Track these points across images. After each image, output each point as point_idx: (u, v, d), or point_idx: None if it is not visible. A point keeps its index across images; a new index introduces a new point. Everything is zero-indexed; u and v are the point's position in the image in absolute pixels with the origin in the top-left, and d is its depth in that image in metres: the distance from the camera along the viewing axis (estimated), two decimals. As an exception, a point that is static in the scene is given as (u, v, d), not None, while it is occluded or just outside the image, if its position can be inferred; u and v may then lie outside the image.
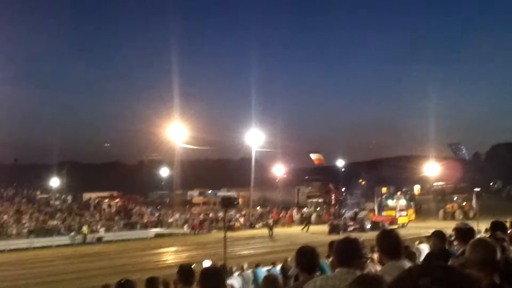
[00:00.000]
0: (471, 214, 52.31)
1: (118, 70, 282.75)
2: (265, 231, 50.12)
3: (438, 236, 7.47)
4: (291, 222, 56.41)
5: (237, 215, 55.52)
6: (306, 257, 4.33)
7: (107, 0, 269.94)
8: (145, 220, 50.90)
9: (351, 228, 45.75)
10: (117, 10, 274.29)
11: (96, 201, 57.73)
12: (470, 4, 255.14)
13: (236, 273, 16.38)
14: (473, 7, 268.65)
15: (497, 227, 6.29)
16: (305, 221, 54.87)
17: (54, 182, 79.63)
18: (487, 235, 7.14)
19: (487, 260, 3.47)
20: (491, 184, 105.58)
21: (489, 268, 3.46)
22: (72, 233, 43.17)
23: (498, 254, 3.59)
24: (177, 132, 56.15)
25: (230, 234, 40.82)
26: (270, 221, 49.05)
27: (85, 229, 43.70)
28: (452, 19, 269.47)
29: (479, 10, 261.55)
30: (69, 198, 63.82)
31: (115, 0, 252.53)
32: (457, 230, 5.99)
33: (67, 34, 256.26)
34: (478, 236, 8.90)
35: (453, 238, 7.23)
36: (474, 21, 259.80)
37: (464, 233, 5.65)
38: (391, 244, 4.43)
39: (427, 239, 21.06)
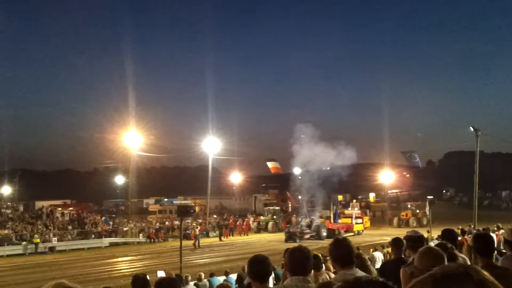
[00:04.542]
0: (424, 221, 53.43)
1: (72, 76, 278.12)
2: (223, 239, 50.09)
3: (395, 243, 7.54)
4: (248, 230, 56.39)
5: (194, 224, 55.15)
6: (258, 266, 4.31)
7: (59, 2, 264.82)
8: (99, 229, 49.94)
9: (307, 236, 46.01)
10: (71, 13, 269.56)
11: (49, 209, 56.19)
12: (422, 14, 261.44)
13: (192, 283, 16.26)
14: (425, 16, 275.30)
15: (447, 235, 6.41)
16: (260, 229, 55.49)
17: (5, 190, 77.62)
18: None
19: (435, 268, 3.54)
20: (443, 191, 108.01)
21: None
22: (24, 243, 42.10)
23: (445, 262, 3.68)
24: (132, 139, 55.48)
25: (186, 242, 40.59)
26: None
27: (37, 238, 42.68)
28: (404, 28, 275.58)
29: (431, 20, 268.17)
30: (21, 206, 62.20)
31: (68, 4, 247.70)
32: (408, 238, 6.08)
33: (16, 38, 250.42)
34: (431, 243, 9.07)
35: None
36: (425, 31, 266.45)
37: (415, 241, 5.73)
38: (343, 253, 4.49)
39: (387, 246, 21.40)
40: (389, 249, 20.23)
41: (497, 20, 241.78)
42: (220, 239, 49.56)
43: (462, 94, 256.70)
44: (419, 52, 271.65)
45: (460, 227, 23.57)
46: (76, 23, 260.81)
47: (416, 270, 3.67)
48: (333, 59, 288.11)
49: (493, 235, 15.90)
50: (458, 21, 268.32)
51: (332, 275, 6.60)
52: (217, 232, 52.51)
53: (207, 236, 52.22)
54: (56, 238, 44.72)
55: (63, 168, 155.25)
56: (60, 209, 59.13)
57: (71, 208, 62.61)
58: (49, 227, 47.65)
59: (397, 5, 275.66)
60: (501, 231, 18.34)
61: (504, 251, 7.16)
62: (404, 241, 6.66)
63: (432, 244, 6.35)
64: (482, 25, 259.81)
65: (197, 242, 43.26)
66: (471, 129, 40.24)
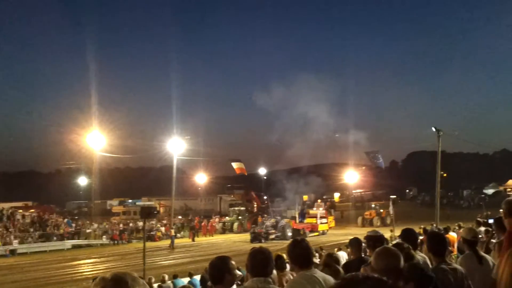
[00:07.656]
0: (388, 220, 54.08)
1: (33, 75, 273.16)
2: (187, 240, 49.87)
3: (354, 244, 7.63)
4: (213, 231, 56.22)
5: (158, 225, 54.71)
6: (216, 268, 4.30)
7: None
8: (62, 231, 49.15)
9: (272, 236, 46.11)
10: (33, 12, 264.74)
11: (10, 211, 55.07)
12: (385, 16, 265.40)
13: (156, 285, 16.13)
14: (387, 19, 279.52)
15: (406, 235, 6.45)
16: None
17: (-36, 192, 75.93)
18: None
19: (391, 268, 3.58)
20: (407, 191, 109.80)
21: (393, 275, 3.57)
22: (-16, 246, 41.21)
23: (401, 262, 3.72)
24: (95, 140, 54.60)
25: (150, 244, 40.31)
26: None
27: (-3, 241, 41.85)
28: (367, 31, 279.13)
29: (393, 23, 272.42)
30: (-19, 209, 60.81)
31: (32, 2, 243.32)
32: (368, 238, 6.15)
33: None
34: (394, 242, 9.15)
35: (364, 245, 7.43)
36: (387, 33, 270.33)
37: (375, 241, 5.79)
38: (302, 253, 4.50)
39: (347, 247, 21.54)
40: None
41: (459, 24, 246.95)
42: (193, 240, 49.40)
43: (425, 96, 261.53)
44: (384, 54, 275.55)
45: (422, 226, 23.98)
46: (39, 22, 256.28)
47: (373, 271, 3.70)
48: (297, 60, 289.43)
49: (454, 234, 16.21)
50: (420, 23, 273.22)
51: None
52: (184, 233, 52.49)
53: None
54: (17, 241, 43.81)
55: (24, 170, 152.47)
56: (21, 211, 57.98)
57: (32, 210, 61.44)
58: (10, 230, 46.64)
59: (361, 8, 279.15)
60: (462, 230, 18.67)
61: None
62: (365, 241, 6.73)
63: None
64: (444, 28, 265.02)
65: (172, 243, 43.50)
66: (433, 129, 40.98)
